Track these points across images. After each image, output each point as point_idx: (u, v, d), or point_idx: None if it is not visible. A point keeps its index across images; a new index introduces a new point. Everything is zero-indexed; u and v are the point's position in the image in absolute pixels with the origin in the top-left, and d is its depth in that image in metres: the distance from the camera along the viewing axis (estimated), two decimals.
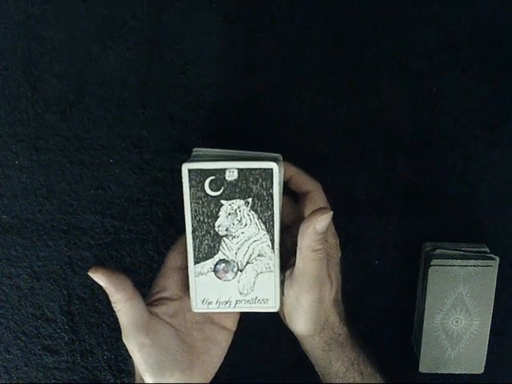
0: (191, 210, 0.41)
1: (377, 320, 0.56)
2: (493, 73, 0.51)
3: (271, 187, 0.40)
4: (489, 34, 0.50)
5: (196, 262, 0.42)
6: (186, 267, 0.42)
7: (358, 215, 0.53)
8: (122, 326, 0.40)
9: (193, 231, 0.41)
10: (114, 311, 0.39)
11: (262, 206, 0.41)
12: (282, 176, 0.43)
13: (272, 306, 0.43)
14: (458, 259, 0.51)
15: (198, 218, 0.41)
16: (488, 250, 0.52)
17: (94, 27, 0.49)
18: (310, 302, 0.41)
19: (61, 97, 0.50)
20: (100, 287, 0.38)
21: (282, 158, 0.43)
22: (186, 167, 0.40)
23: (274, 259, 0.42)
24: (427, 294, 0.52)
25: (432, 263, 0.51)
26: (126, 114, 0.51)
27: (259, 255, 0.42)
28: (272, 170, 0.40)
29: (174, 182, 0.52)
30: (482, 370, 0.53)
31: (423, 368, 0.54)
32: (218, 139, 0.52)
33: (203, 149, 0.44)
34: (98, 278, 0.38)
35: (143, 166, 0.52)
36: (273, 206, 0.41)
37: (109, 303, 0.39)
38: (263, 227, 0.41)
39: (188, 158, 0.42)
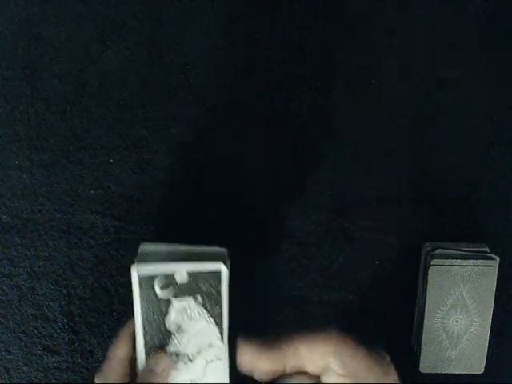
0: (141, 309, 0.41)
1: (377, 320, 0.56)
2: (493, 73, 0.51)
3: (219, 286, 0.41)
4: (489, 34, 0.50)
5: (147, 355, 0.42)
6: (132, 358, 0.42)
7: (357, 215, 0.53)
8: None
9: (143, 328, 0.42)
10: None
11: (211, 303, 0.42)
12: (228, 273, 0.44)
13: None
14: (458, 259, 0.51)
15: (148, 317, 0.42)
16: (488, 250, 0.52)
17: (93, 27, 0.49)
18: None
19: (61, 97, 0.50)
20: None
21: (226, 252, 0.44)
22: (135, 272, 0.41)
23: (222, 349, 0.42)
24: (427, 294, 0.52)
25: (432, 263, 0.51)
26: (126, 114, 0.51)
27: (209, 346, 0.42)
28: (220, 271, 0.41)
29: (174, 181, 0.52)
30: (482, 370, 0.53)
31: (423, 368, 0.54)
32: (218, 139, 0.52)
33: (150, 244, 0.45)
34: None
35: (143, 166, 0.52)
36: (221, 302, 0.42)
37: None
38: (213, 321, 0.42)
39: (142, 244, 0.44)
